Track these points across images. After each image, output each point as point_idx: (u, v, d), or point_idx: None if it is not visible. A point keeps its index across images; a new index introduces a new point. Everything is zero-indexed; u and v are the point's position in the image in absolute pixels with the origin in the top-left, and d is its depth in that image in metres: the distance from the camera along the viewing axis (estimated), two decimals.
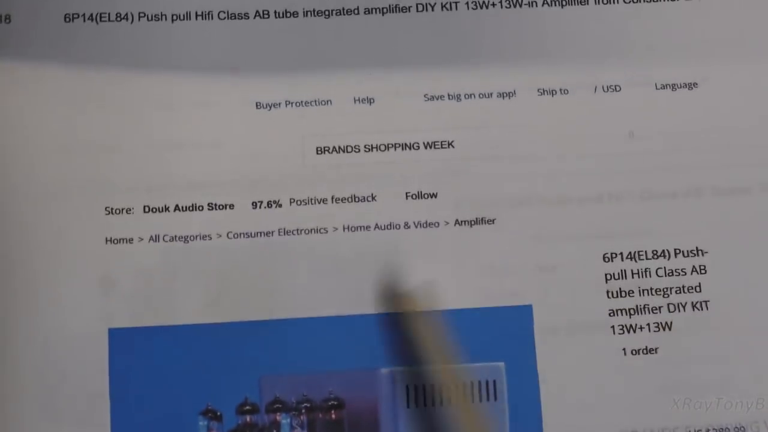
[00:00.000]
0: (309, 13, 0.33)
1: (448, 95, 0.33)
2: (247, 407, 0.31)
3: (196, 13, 0.33)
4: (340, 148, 0.33)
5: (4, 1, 0.33)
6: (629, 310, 0.32)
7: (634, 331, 0.32)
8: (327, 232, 0.32)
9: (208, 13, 0.33)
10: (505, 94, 0.33)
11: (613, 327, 0.32)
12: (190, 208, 0.32)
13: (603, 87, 0.33)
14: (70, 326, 0.31)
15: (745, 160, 0.33)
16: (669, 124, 0.33)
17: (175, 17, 0.33)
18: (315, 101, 0.33)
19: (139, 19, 0.33)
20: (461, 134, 0.33)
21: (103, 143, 0.32)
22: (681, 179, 0.33)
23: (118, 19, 0.33)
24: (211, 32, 0.33)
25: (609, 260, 0.32)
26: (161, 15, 0.33)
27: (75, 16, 0.33)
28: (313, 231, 0.32)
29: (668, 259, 0.33)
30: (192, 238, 0.32)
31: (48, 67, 0.33)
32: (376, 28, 0.33)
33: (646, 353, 0.32)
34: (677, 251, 0.33)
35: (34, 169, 0.32)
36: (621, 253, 0.33)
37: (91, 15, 0.33)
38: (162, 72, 0.33)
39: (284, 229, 0.32)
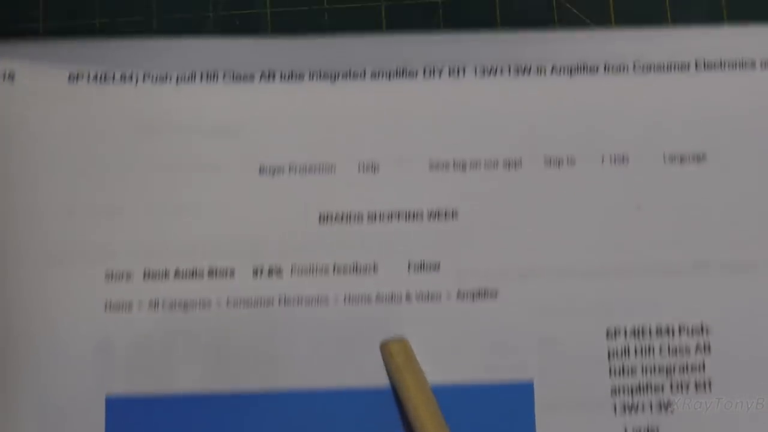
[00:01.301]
0: (315, 75, 0.33)
1: (453, 163, 0.33)
2: None
3: (201, 74, 0.33)
4: (343, 215, 0.33)
5: (8, 60, 0.33)
6: (631, 388, 0.32)
7: (636, 411, 0.32)
8: (328, 302, 0.32)
9: (213, 75, 0.33)
10: (511, 164, 0.33)
11: (614, 406, 0.32)
12: (191, 274, 0.32)
13: (610, 158, 0.33)
14: (68, 393, 0.31)
15: (752, 235, 0.33)
16: (676, 197, 0.33)
17: (179, 78, 0.33)
18: (319, 167, 0.32)
19: (143, 81, 0.33)
20: (465, 204, 0.33)
21: (105, 206, 0.32)
22: (687, 254, 0.33)
23: (123, 80, 0.33)
24: (215, 94, 0.33)
25: (612, 336, 0.32)
26: (166, 76, 0.33)
27: (79, 76, 0.32)
28: (313, 301, 0.32)
29: (672, 337, 0.32)
30: (191, 304, 0.32)
31: (51, 127, 0.32)
32: (382, 92, 0.33)
33: None
34: (681, 328, 0.32)
35: (34, 232, 0.32)
36: (624, 329, 0.32)
37: (96, 75, 0.33)
38: (165, 134, 0.33)
39: (285, 298, 0.32)
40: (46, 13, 0.34)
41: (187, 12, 0.34)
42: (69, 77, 0.33)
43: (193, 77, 0.33)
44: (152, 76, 0.33)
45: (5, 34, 0.33)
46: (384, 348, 0.32)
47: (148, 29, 0.34)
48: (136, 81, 0.33)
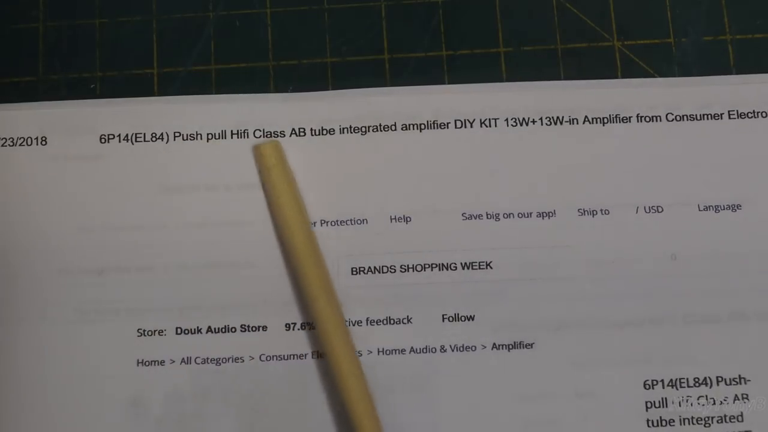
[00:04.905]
0: (345, 129, 0.33)
1: (487, 214, 0.33)
2: None
3: (232, 132, 0.33)
4: (375, 268, 0.32)
5: (40, 123, 0.33)
6: None
7: None
8: (361, 355, 0.32)
9: (244, 132, 0.33)
10: (544, 214, 0.33)
11: None
12: (223, 330, 0.32)
13: (645, 207, 0.33)
14: None
15: None
16: (712, 247, 0.33)
17: (210, 136, 0.33)
18: (351, 220, 0.32)
19: (174, 139, 0.33)
20: (499, 255, 0.32)
21: (137, 264, 0.32)
22: (724, 304, 0.32)
23: (154, 139, 0.33)
24: (246, 151, 0.33)
25: (650, 387, 0.32)
26: (197, 134, 0.33)
27: (111, 136, 0.33)
28: None
29: (710, 387, 0.32)
30: (224, 360, 0.32)
31: (83, 186, 0.33)
32: (413, 144, 0.33)
33: None
34: (719, 379, 0.32)
35: (66, 291, 0.32)
36: (662, 380, 0.32)
37: (127, 135, 0.33)
38: (197, 191, 0.33)
39: (317, 352, 0.32)
40: (46, 13, 0.34)
41: (187, 12, 0.34)
42: (100, 138, 0.32)
43: (223, 134, 0.33)
44: (183, 134, 0.33)
45: (37, 98, 0.33)
46: (255, 149, 0.32)
47: (148, 29, 0.34)
48: (167, 139, 0.32)
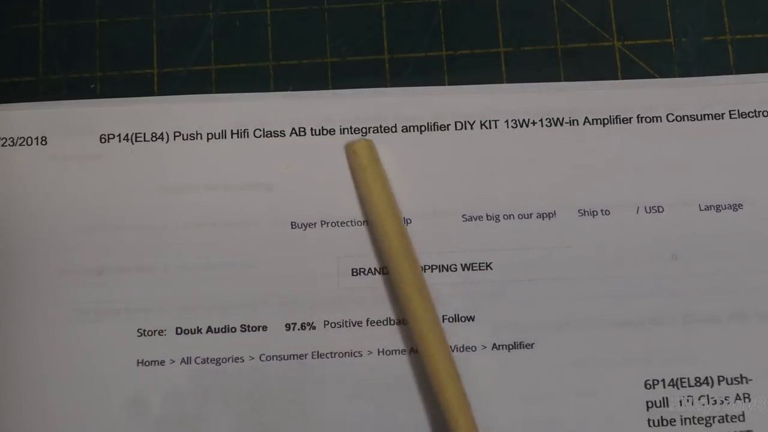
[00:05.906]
0: (345, 130, 0.33)
1: (487, 215, 0.32)
2: None
3: (232, 131, 0.33)
4: (375, 269, 0.32)
5: (39, 123, 0.33)
6: None
7: None
8: (362, 355, 0.32)
9: (244, 131, 0.33)
10: (545, 215, 0.33)
11: None
12: (223, 330, 0.32)
13: (645, 208, 0.33)
14: None
15: None
16: (713, 247, 0.32)
17: (210, 136, 0.33)
18: (351, 221, 0.32)
19: (174, 139, 0.33)
20: (499, 256, 0.32)
21: (137, 264, 0.32)
22: (725, 303, 0.32)
23: (154, 138, 0.33)
24: (246, 150, 0.33)
25: (651, 387, 0.32)
26: (197, 134, 0.33)
27: (111, 136, 0.33)
28: (347, 354, 0.32)
29: (711, 387, 0.32)
30: (224, 360, 0.32)
31: (83, 186, 0.33)
32: (414, 146, 0.33)
33: None
34: (720, 378, 0.32)
35: (66, 291, 0.32)
36: (663, 380, 0.32)
37: (127, 135, 0.33)
38: (197, 191, 0.33)
39: (318, 352, 0.32)
40: (46, 13, 0.34)
41: (187, 12, 0.34)
42: (100, 138, 0.32)
43: (223, 134, 0.33)
44: (183, 134, 0.33)
45: (37, 98, 0.33)
46: (348, 147, 0.32)
47: (148, 29, 0.34)
48: (167, 139, 0.33)
